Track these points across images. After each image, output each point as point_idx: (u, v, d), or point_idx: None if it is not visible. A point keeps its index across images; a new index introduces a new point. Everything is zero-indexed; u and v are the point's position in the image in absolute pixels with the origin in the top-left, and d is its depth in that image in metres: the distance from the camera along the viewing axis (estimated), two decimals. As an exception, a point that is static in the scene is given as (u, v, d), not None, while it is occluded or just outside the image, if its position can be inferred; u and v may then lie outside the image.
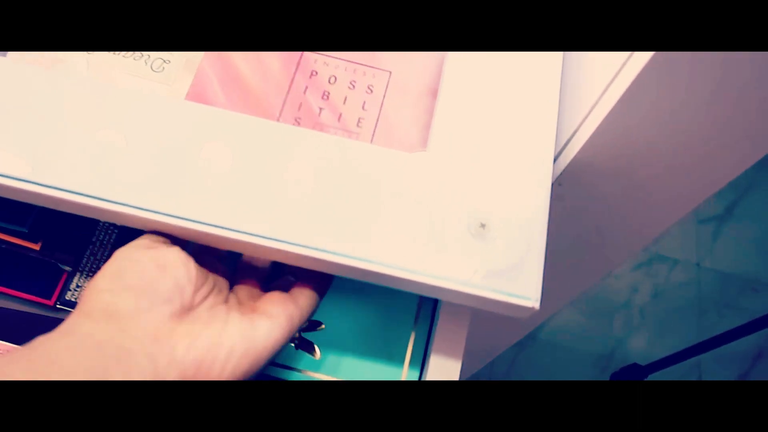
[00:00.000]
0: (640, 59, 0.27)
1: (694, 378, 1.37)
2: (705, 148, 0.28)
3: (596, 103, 0.30)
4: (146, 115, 0.29)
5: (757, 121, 0.27)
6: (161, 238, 0.28)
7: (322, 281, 0.31)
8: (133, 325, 0.24)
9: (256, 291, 0.30)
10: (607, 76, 0.29)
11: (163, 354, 0.24)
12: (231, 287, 0.30)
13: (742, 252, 1.54)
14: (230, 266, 0.31)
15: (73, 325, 0.24)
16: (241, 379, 0.26)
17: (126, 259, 0.26)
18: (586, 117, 0.31)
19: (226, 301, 0.28)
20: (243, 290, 0.30)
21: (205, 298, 0.27)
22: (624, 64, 0.28)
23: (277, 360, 0.33)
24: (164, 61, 0.37)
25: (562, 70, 0.32)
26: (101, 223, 0.37)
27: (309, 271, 0.30)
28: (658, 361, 1.23)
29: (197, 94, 0.33)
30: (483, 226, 0.28)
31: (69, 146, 0.28)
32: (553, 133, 0.30)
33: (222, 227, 0.27)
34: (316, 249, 0.27)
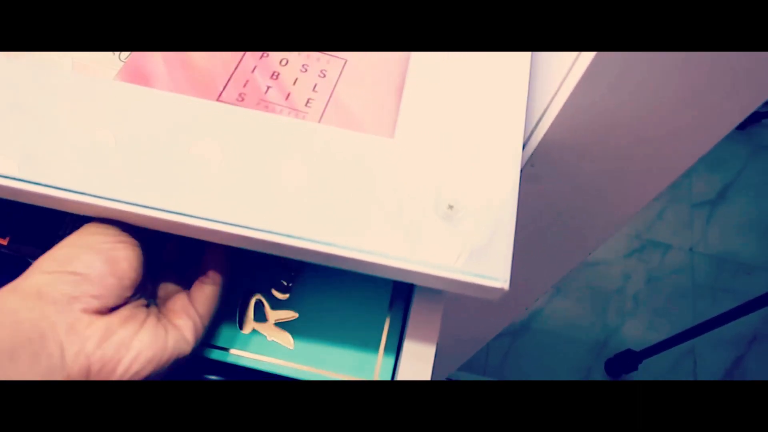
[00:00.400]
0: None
1: (688, 363, 1.37)
2: (673, 120, 0.28)
3: (562, 82, 0.30)
4: (130, 108, 0.29)
5: (724, 94, 0.26)
6: (120, 230, 0.28)
7: (221, 266, 0.31)
8: (55, 311, 0.25)
9: (173, 290, 0.31)
10: (569, 57, 0.29)
11: (74, 345, 0.24)
12: (158, 284, 0.31)
13: (735, 236, 1.55)
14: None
15: (1, 298, 0.25)
16: (140, 379, 0.26)
17: (83, 246, 0.27)
18: (554, 96, 0.30)
19: (148, 304, 0.29)
20: (164, 289, 0.31)
21: (134, 298, 0.27)
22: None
23: (252, 351, 0.33)
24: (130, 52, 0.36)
25: (532, 53, 0.32)
26: (68, 216, 0.36)
27: (209, 256, 0.31)
28: (652, 346, 1.23)
29: (138, 63, 0.32)
30: (451, 207, 0.28)
31: (53, 142, 0.27)
32: (522, 114, 0.30)
33: (192, 216, 0.27)
34: (291, 236, 0.27)
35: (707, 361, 1.38)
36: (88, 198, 0.27)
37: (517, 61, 0.32)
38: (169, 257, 0.32)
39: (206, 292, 0.31)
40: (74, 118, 0.28)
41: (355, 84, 0.32)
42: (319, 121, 0.31)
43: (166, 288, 0.31)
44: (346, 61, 0.33)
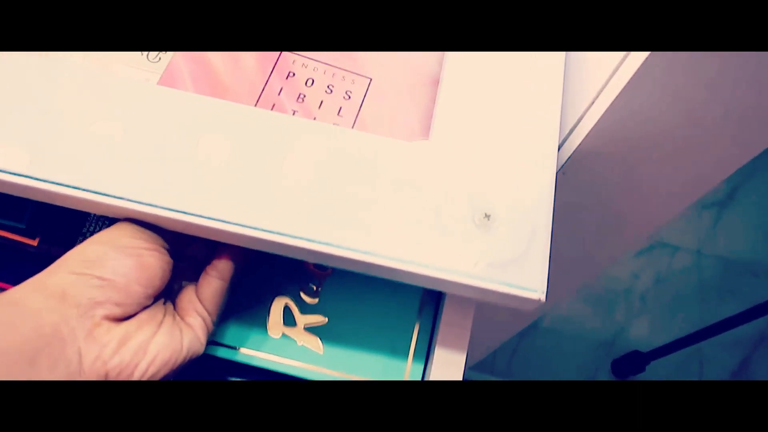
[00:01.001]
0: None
1: (695, 364, 1.37)
2: (712, 133, 0.28)
3: (601, 90, 0.29)
4: (142, 105, 0.29)
5: (763, 107, 0.26)
6: (152, 234, 0.28)
7: (231, 260, 0.30)
8: (76, 315, 0.24)
9: (186, 284, 0.30)
10: (611, 63, 0.29)
11: (92, 352, 0.24)
12: (176, 280, 0.30)
13: (743, 238, 1.54)
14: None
15: (25, 296, 0.24)
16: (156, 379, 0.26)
17: (114, 247, 0.26)
18: (590, 105, 0.30)
19: (165, 301, 0.28)
20: (179, 284, 0.30)
21: (153, 301, 0.27)
22: (628, 53, 0.27)
23: (281, 355, 0.33)
24: (159, 53, 0.36)
25: (566, 57, 0.32)
26: (92, 216, 0.36)
27: (221, 248, 0.30)
28: (659, 348, 1.23)
29: (165, 85, 0.32)
30: (487, 216, 0.28)
31: (65, 139, 0.28)
32: (557, 122, 0.30)
33: (222, 221, 0.27)
34: (316, 241, 0.27)
35: (714, 363, 1.38)
36: (97, 196, 0.27)
37: (550, 66, 0.31)
38: (193, 252, 0.32)
39: (213, 287, 0.29)
40: (83, 113, 0.28)
41: (380, 106, 0.32)
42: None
43: (180, 283, 0.30)
44: (371, 80, 0.32)
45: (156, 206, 0.27)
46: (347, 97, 0.32)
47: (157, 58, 0.36)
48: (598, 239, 0.39)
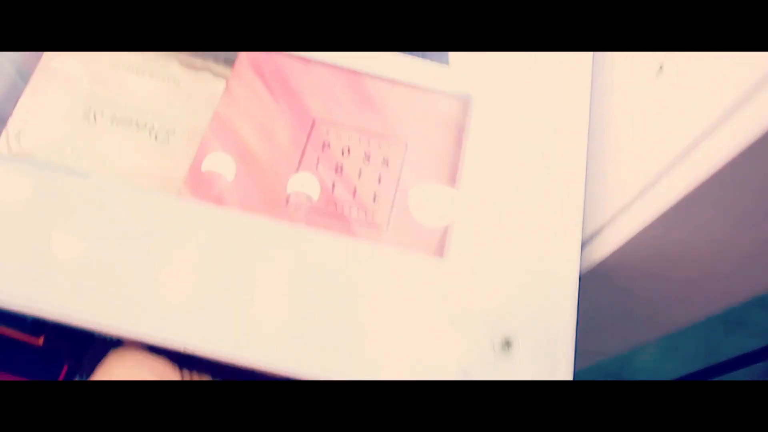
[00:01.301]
0: (688, 176, 0.24)
1: (701, 396, 1.36)
2: (759, 251, 0.27)
3: (631, 203, 0.28)
4: (128, 223, 0.28)
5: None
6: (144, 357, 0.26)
7: None
8: None
9: None
10: (653, 167, 0.27)
11: None
12: None
13: (751, 267, 1.53)
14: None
15: None
16: None
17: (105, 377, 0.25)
18: (614, 216, 0.29)
19: None
20: None
21: None
22: (662, 174, 0.26)
23: None
24: (168, 132, 0.35)
25: (587, 165, 0.31)
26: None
27: None
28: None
29: (202, 158, 0.31)
30: (508, 344, 0.27)
31: (57, 265, 0.27)
32: (579, 235, 0.29)
33: (225, 353, 0.26)
34: (323, 373, 0.26)
35: (719, 395, 1.37)
36: (81, 321, 0.26)
37: (572, 175, 0.31)
38: None
39: None
40: (71, 237, 0.28)
41: (418, 171, 0.31)
42: (389, 216, 0.30)
43: None
44: (407, 145, 0.32)
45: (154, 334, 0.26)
46: (385, 164, 0.31)
47: (166, 139, 0.35)
48: (612, 335, 0.38)
